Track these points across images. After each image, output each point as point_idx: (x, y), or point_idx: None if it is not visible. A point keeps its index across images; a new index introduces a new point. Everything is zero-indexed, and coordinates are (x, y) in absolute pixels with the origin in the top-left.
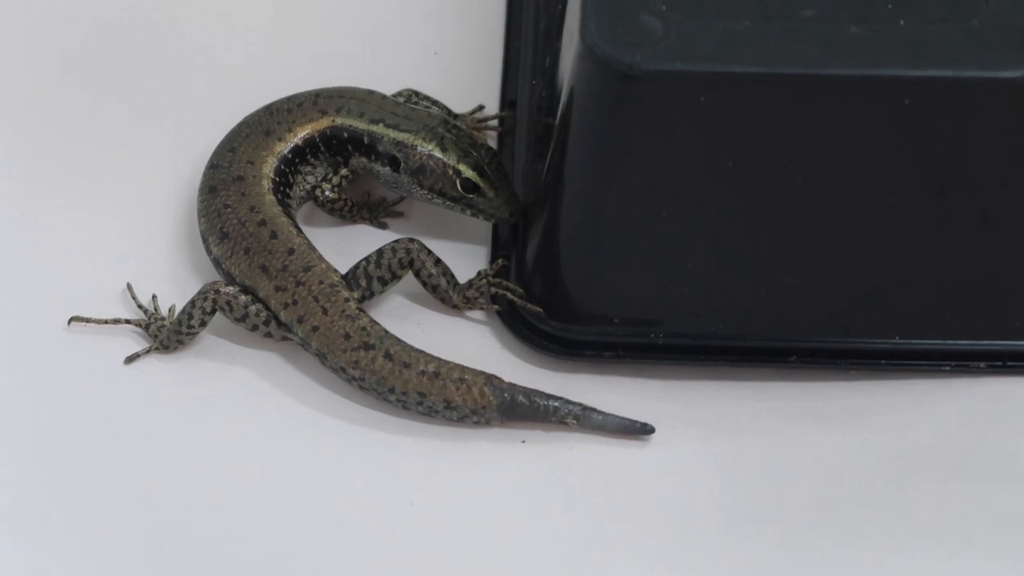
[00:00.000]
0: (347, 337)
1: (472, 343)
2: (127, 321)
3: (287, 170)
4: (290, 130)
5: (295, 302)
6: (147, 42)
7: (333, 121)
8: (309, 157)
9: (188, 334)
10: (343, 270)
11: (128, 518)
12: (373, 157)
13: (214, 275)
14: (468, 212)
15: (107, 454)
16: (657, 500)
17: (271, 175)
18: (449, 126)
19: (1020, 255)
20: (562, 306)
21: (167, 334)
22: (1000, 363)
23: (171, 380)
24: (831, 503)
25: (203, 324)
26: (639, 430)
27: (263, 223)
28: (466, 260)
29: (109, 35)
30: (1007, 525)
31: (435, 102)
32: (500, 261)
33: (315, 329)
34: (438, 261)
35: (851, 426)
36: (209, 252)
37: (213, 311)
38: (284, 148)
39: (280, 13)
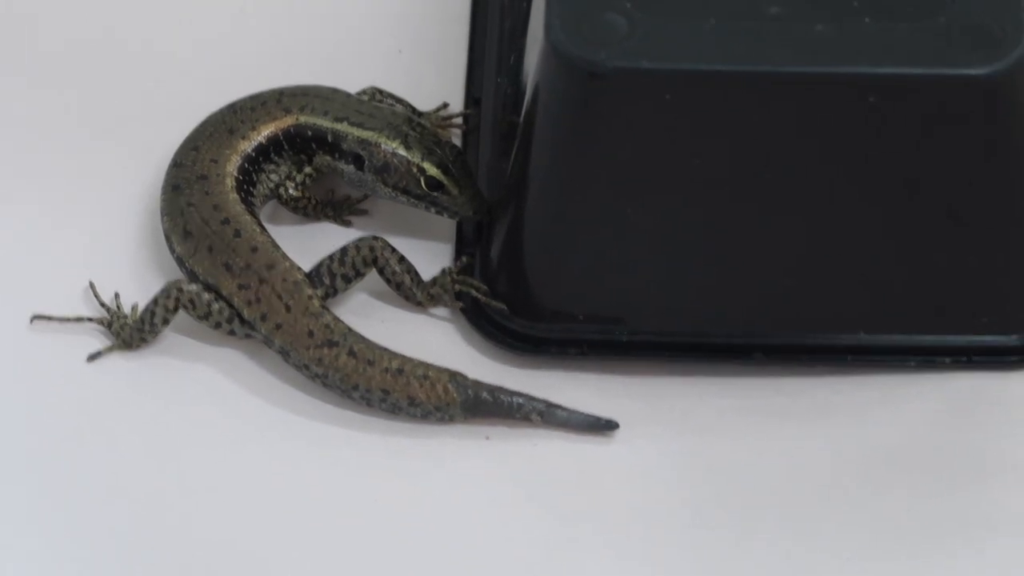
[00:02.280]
0: (311, 334)
1: (436, 340)
2: (90, 319)
3: (251, 168)
4: (254, 128)
5: (258, 300)
6: (110, 41)
7: (297, 119)
8: (273, 155)
9: (151, 332)
10: (307, 268)
11: (90, 516)
12: (337, 155)
13: (177, 273)
14: (432, 210)
15: (69, 452)
16: (621, 497)
17: (235, 173)
18: (413, 124)
19: (986, 252)
20: (526, 303)
21: (130, 332)
22: (965, 358)
23: (134, 378)
24: (795, 499)
25: (166, 322)
26: (603, 427)
27: (226, 221)
28: (430, 258)
29: (72, 35)
30: (972, 520)
31: (399, 100)
32: (464, 259)
33: (278, 327)
34: (402, 259)
35: (816, 422)
36: (172, 250)
37: (176, 309)
38: (248, 146)
39: (244, 12)
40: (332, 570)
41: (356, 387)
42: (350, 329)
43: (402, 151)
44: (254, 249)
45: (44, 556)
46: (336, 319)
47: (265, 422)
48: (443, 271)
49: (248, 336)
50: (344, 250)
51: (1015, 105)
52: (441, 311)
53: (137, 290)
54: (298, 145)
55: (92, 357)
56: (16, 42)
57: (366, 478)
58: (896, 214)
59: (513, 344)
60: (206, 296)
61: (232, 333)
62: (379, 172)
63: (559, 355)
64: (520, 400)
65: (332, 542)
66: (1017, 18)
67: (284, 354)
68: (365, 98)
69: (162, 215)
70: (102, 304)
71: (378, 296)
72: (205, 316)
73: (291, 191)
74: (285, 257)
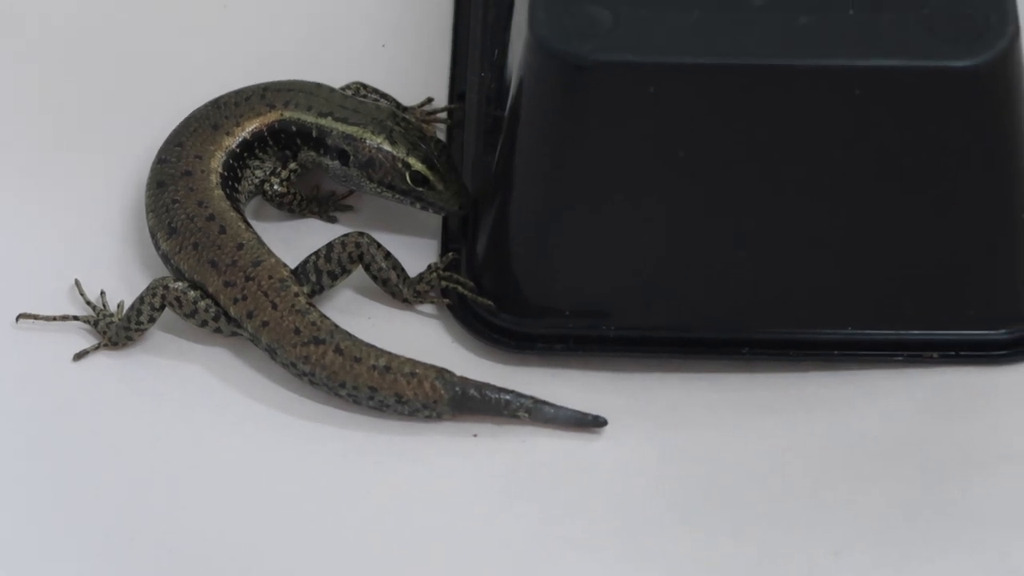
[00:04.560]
0: (297, 332)
1: (423, 337)
2: (75, 318)
3: (235, 164)
4: (238, 124)
5: (244, 297)
6: (93, 38)
7: (281, 115)
8: (257, 151)
9: (137, 330)
10: (293, 264)
11: (77, 515)
12: (322, 151)
13: (163, 271)
14: (418, 205)
15: (56, 451)
16: (610, 493)
17: (219, 169)
18: (398, 119)
19: (973, 245)
20: (513, 299)
21: (116, 330)
22: (953, 353)
23: (120, 377)
24: (784, 495)
25: (152, 320)
26: (591, 423)
27: (212, 218)
28: (416, 253)
29: (54, 33)
30: (960, 514)
31: (384, 95)
32: (450, 254)
33: (265, 324)
34: (388, 255)
35: (804, 417)
36: (158, 247)
37: (162, 307)
38: (232, 142)
39: (227, 7)
40: (321, 568)
41: (343, 385)
42: (336, 326)
43: (387, 146)
44: (239, 246)
45: (31, 555)
46: (322, 316)
47: (252, 420)
48: (429, 267)
49: (235, 334)
50: (330, 246)
51: (1000, 96)
52: (427, 307)
53: (123, 288)
54: (282, 141)
55: (79, 356)
56: None
57: (354, 476)
58: (882, 206)
59: (500, 340)
60: (192, 294)
61: (218, 331)
62: (364, 167)
63: (546, 351)
64: (507, 397)
65: (320, 540)
66: (1002, 8)
67: (271, 352)
68: (349, 93)
69: (147, 212)
70: (88, 302)
71: (364, 293)
72: (191, 314)
73: (276, 187)
74: (271, 254)
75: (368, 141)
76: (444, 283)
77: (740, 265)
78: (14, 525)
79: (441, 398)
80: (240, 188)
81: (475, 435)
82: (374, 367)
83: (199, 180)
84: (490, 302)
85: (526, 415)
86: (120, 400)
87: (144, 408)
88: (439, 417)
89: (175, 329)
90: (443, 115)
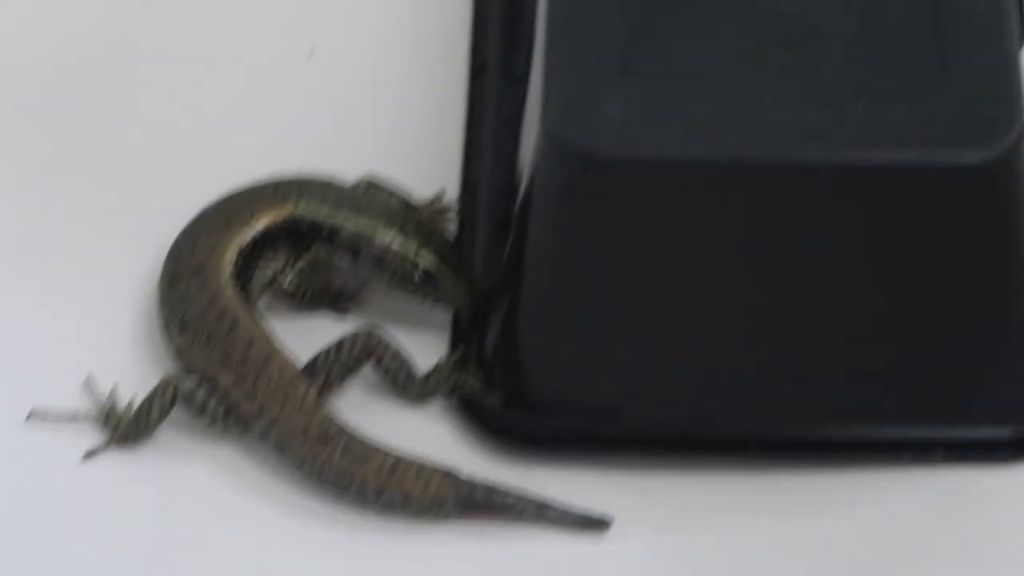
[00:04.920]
0: (306, 430)
1: (431, 434)
2: (86, 415)
3: (247, 259)
4: (250, 220)
5: (254, 394)
6: (106, 130)
7: (293, 211)
8: (269, 247)
9: (147, 429)
10: (304, 358)
11: None
12: (333, 247)
13: (175, 366)
14: (429, 300)
15: (65, 550)
16: None
17: (231, 265)
18: (408, 217)
19: (978, 342)
20: (522, 393)
21: (126, 427)
22: (958, 452)
23: (130, 476)
24: None
25: (163, 416)
26: (596, 524)
27: (223, 314)
28: (427, 346)
29: (68, 124)
30: None
31: (394, 192)
32: (461, 349)
33: (274, 422)
34: (397, 353)
35: (809, 519)
36: (170, 342)
37: (172, 404)
38: (244, 238)
39: (238, 100)
40: None
41: (350, 485)
42: (345, 425)
43: (397, 244)
44: (250, 343)
45: None
46: (331, 415)
47: (259, 522)
48: (437, 365)
49: (242, 435)
50: (340, 343)
51: (1009, 192)
52: (436, 404)
53: (135, 382)
54: (294, 237)
55: (88, 455)
56: (12, 135)
57: None
58: (890, 304)
59: (508, 439)
60: (201, 393)
61: (226, 431)
62: (375, 264)
63: (554, 450)
64: (512, 500)
65: None
66: (1011, 104)
67: (279, 450)
68: (360, 191)
69: (160, 307)
70: (98, 399)
71: (373, 389)
72: (200, 412)
73: (288, 282)
74: (282, 350)
75: (379, 239)
76: (453, 381)
77: (749, 362)
78: None
79: (447, 499)
80: (252, 283)
81: (482, 534)
82: (381, 467)
83: (211, 275)
84: (498, 401)
85: (531, 517)
86: (129, 499)
87: (152, 507)
88: (446, 517)
89: (186, 427)
90: (453, 211)
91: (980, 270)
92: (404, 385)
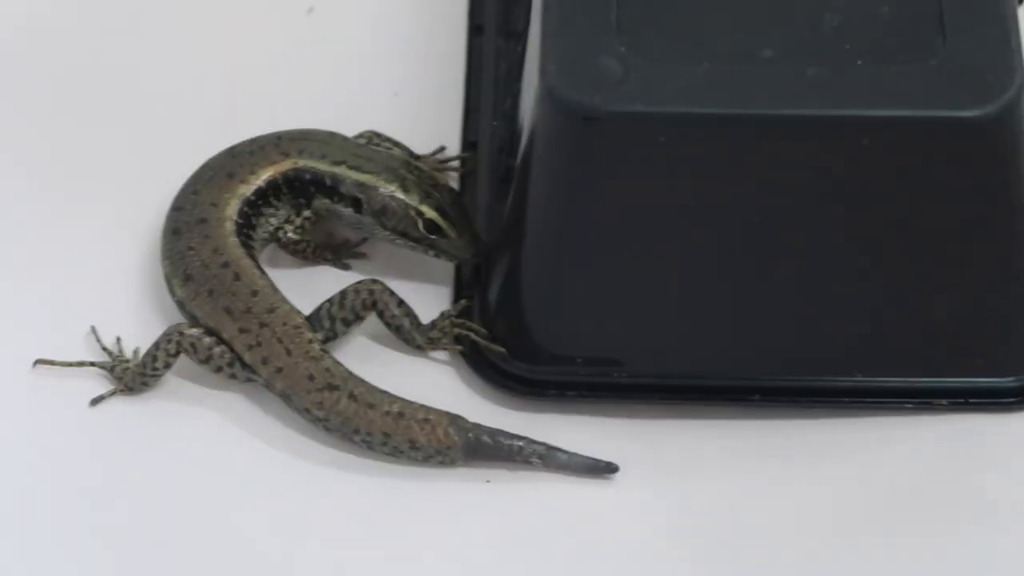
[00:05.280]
0: (311, 378)
1: (436, 383)
2: (92, 364)
3: (250, 212)
4: (253, 172)
5: (259, 344)
6: (108, 86)
7: (295, 163)
8: (272, 199)
9: (153, 376)
10: (307, 311)
11: (92, 562)
12: (336, 199)
13: (178, 317)
14: (431, 253)
15: (72, 496)
16: (622, 539)
17: (234, 217)
18: (411, 168)
19: (980, 293)
20: (525, 346)
21: (132, 376)
22: (962, 400)
23: (136, 422)
24: (795, 541)
25: (167, 366)
26: (603, 469)
27: (226, 265)
28: (429, 300)
29: (69, 80)
30: (971, 561)
31: (396, 144)
32: (463, 302)
33: (279, 371)
34: (401, 302)
35: (814, 464)
36: (173, 294)
37: (177, 353)
38: (247, 190)
39: (241, 56)
40: None
41: (357, 431)
42: (350, 373)
43: (400, 194)
44: (254, 293)
45: None
46: (336, 363)
47: (266, 466)
48: (442, 314)
49: (249, 380)
50: (343, 294)
51: (1008, 146)
52: (440, 354)
53: (139, 334)
54: (297, 189)
55: (95, 401)
56: (13, 89)
57: (368, 522)
58: (891, 256)
59: (512, 387)
60: (207, 340)
61: (233, 377)
62: (377, 215)
63: (558, 398)
64: (520, 443)
65: None
66: (1009, 59)
67: (285, 398)
68: (363, 142)
69: (163, 259)
70: (104, 348)
71: (378, 339)
72: (206, 360)
73: (290, 234)
74: (285, 301)
75: (381, 189)
76: (457, 330)
77: (750, 313)
78: (31, 569)
79: (454, 444)
80: (255, 235)
81: (488, 481)
82: (387, 413)
83: (214, 227)
84: (502, 349)
85: (539, 461)
86: (136, 445)
87: (160, 454)
88: (453, 463)
89: (191, 374)
90: (455, 163)
91: (981, 223)
92: (408, 335)
